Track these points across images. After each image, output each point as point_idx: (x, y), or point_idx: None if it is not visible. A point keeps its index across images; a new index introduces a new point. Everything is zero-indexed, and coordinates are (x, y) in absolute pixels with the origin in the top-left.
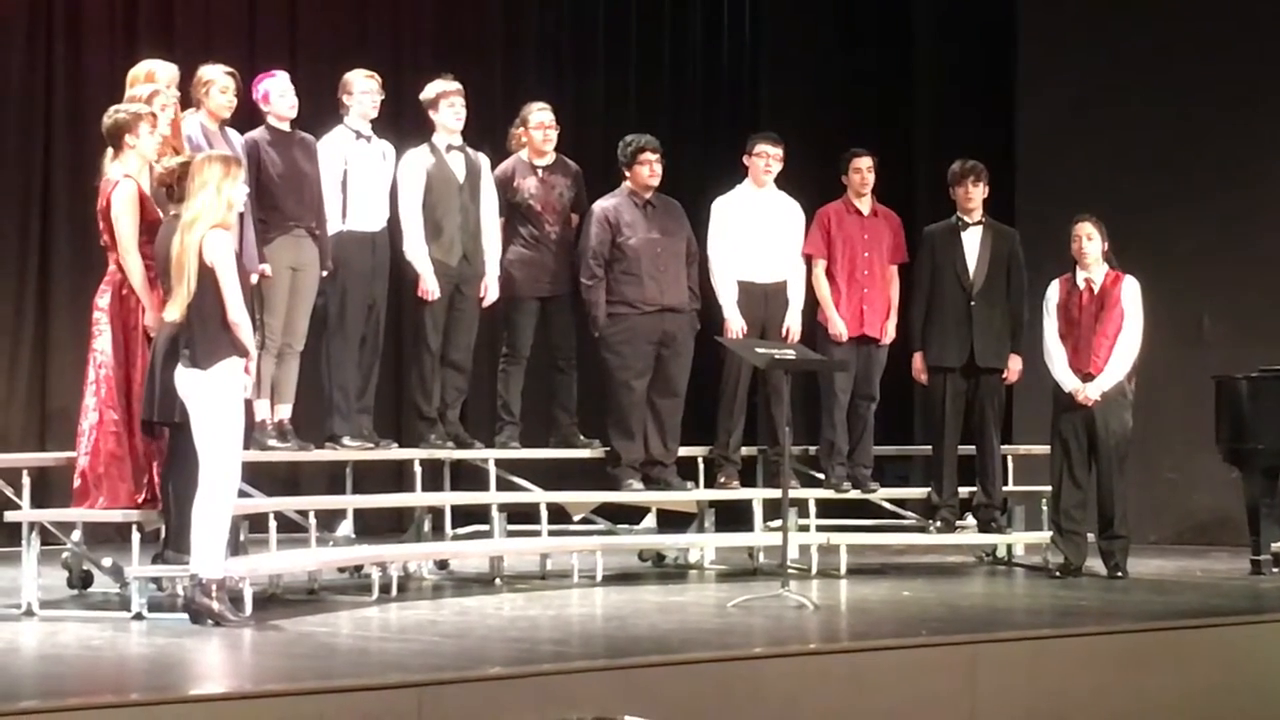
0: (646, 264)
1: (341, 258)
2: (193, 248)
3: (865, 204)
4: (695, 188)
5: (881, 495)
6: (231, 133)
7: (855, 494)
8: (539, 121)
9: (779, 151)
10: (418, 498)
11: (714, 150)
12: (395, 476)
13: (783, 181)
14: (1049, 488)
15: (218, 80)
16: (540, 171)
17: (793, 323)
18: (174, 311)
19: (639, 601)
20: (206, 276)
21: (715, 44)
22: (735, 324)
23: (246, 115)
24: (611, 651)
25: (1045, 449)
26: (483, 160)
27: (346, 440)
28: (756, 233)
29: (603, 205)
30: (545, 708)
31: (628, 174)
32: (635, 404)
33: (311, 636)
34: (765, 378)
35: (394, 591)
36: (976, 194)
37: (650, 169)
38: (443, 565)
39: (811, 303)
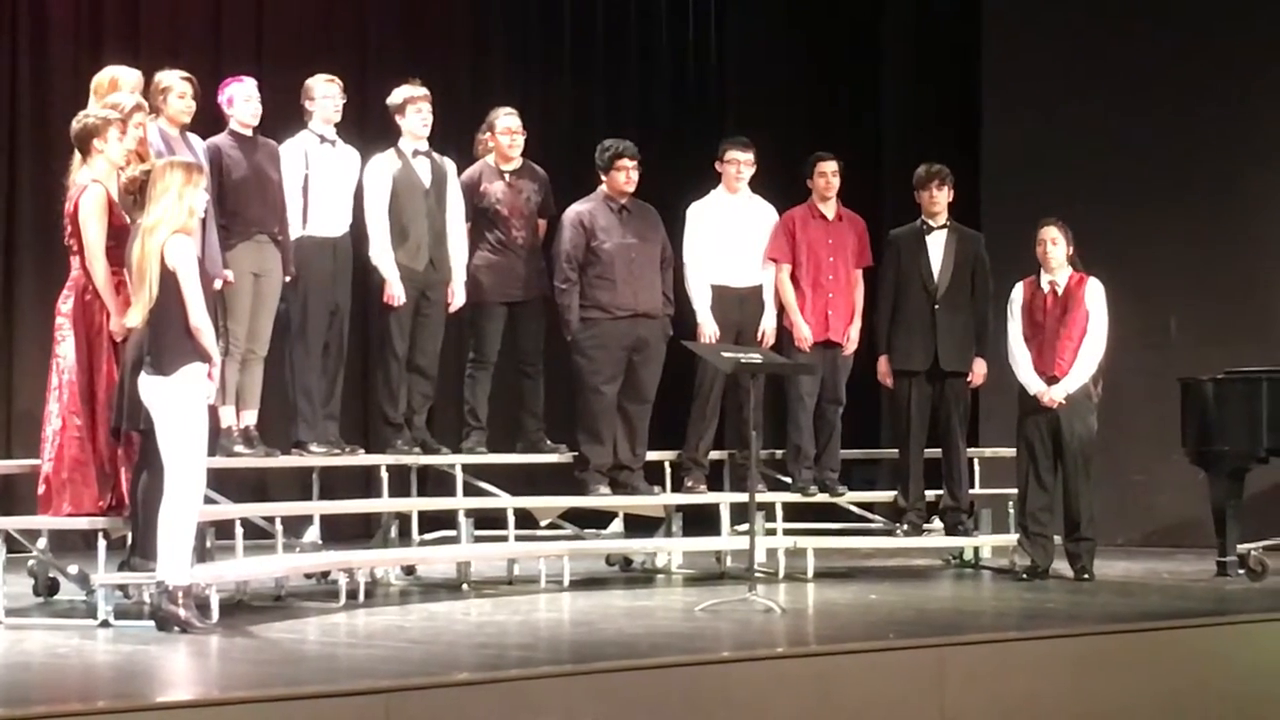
0: (620, 269)
1: (302, 263)
2: (154, 253)
3: (830, 208)
4: (662, 190)
5: (848, 499)
6: (193, 138)
7: (822, 498)
8: (506, 126)
9: (749, 157)
10: (385, 503)
11: (681, 154)
12: (362, 482)
13: (752, 185)
14: (1015, 491)
15: (175, 86)
16: (507, 176)
17: (768, 326)
18: (135, 317)
19: (606, 606)
20: (168, 282)
21: (682, 49)
22: (709, 329)
23: (210, 120)
24: (579, 656)
25: (1011, 452)
26: (449, 165)
27: (313, 446)
28: (731, 237)
29: (577, 209)
30: (513, 713)
31: (604, 179)
32: (605, 409)
33: (278, 643)
34: (736, 382)
35: (361, 597)
36: (941, 198)
37: (626, 175)
38: (410, 571)
39: (777, 307)
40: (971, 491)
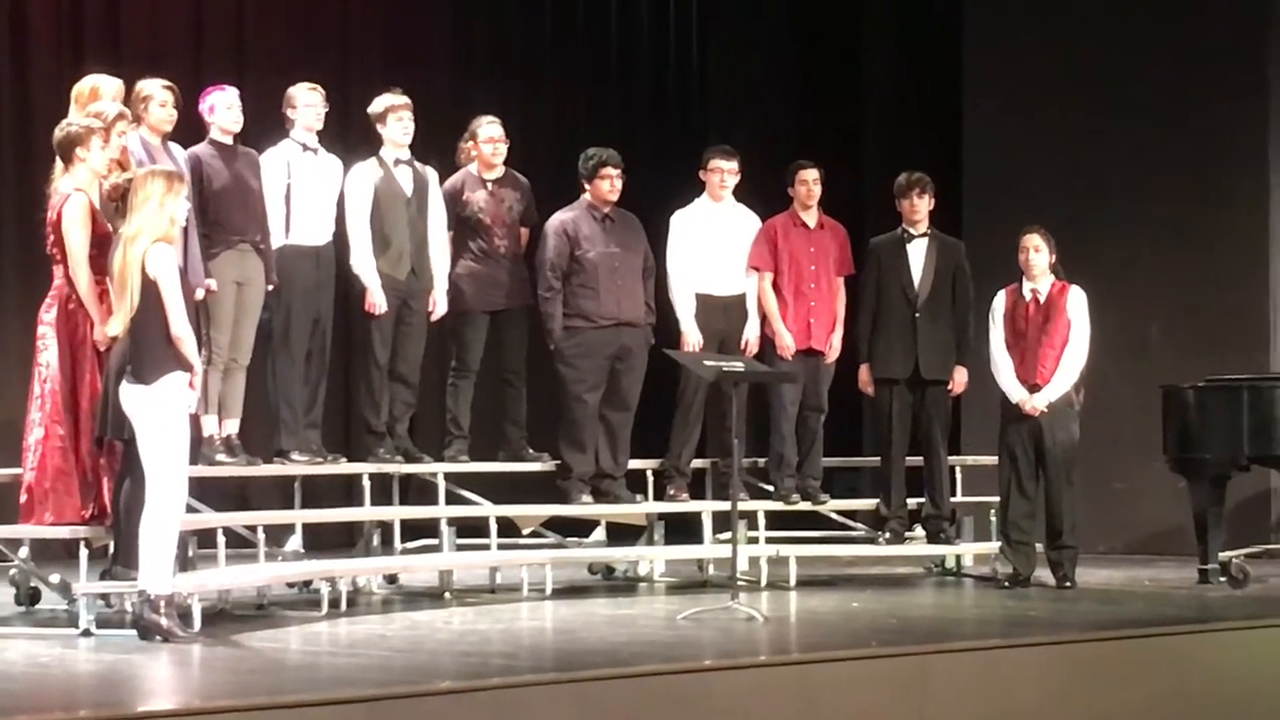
0: (604, 278)
1: (284, 272)
2: (135, 263)
3: (811, 216)
4: (644, 199)
5: (830, 507)
6: (174, 147)
7: (804, 506)
8: (488, 135)
9: (733, 165)
10: (366, 512)
11: (662, 162)
12: (344, 491)
13: (735, 193)
14: (997, 499)
15: (156, 94)
16: (490, 185)
17: (751, 335)
18: (116, 325)
19: (589, 614)
20: (150, 291)
21: (664, 57)
22: (692, 338)
23: (191, 129)
24: (561, 665)
25: (993, 460)
26: (430, 174)
27: (295, 455)
28: (715, 246)
29: (561, 218)
30: None
31: (587, 187)
32: (588, 417)
33: (261, 652)
34: (719, 390)
35: (343, 606)
36: (922, 206)
37: (610, 184)
38: (392, 580)
39: (760, 316)
40: (953, 499)
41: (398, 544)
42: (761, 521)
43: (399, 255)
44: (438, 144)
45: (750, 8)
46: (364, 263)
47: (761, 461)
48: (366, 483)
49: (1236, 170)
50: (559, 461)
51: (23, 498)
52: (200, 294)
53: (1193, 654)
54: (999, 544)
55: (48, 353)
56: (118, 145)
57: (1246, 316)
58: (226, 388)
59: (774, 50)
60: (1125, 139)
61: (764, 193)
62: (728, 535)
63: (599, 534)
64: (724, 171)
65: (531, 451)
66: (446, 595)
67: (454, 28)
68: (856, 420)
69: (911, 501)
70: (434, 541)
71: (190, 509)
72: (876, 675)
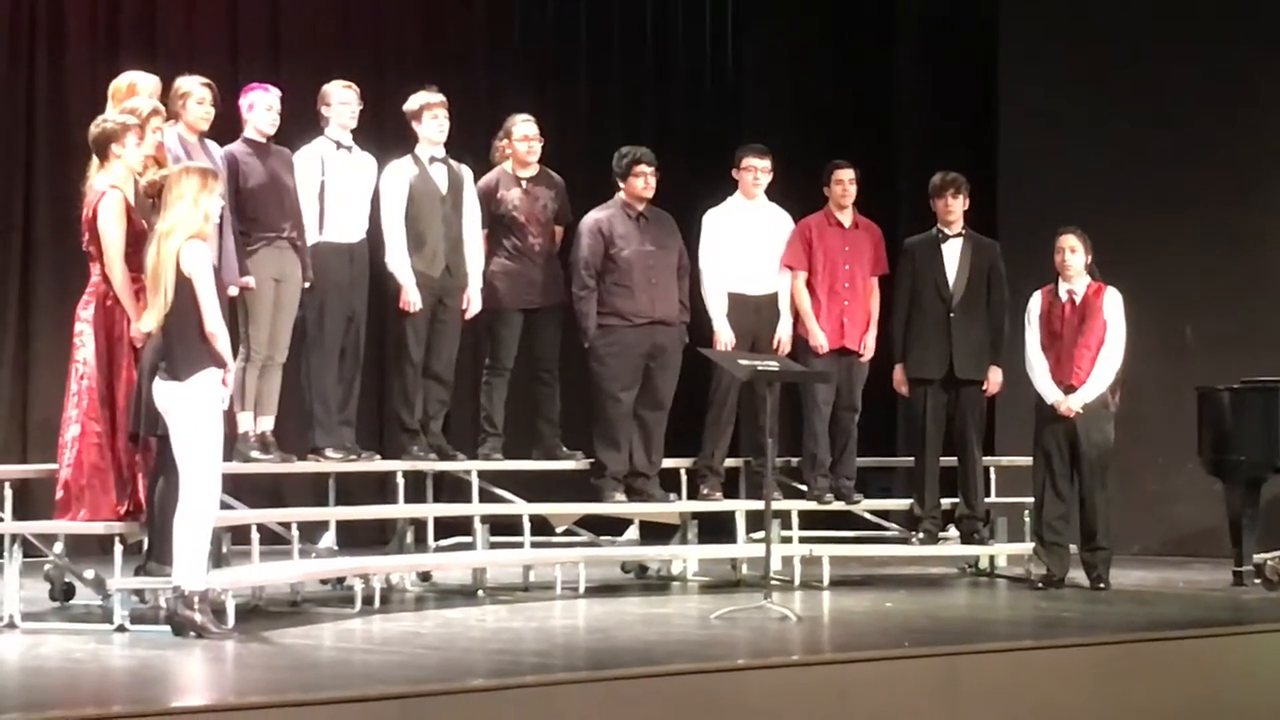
0: (638, 276)
1: (318, 269)
2: (169, 259)
3: (846, 216)
4: (678, 197)
5: (864, 507)
6: (211, 144)
7: (838, 505)
8: (523, 134)
9: (766, 164)
10: (400, 509)
11: (698, 161)
12: (378, 488)
13: (769, 193)
14: (1031, 499)
15: (194, 91)
16: (524, 183)
17: (784, 334)
18: (150, 321)
19: (622, 613)
20: (184, 287)
21: (699, 56)
22: (725, 336)
23: (230, 127)
24: (594, 663)
25: (1028, 460)
26: (465, 172)
27: (329, 452)
28: (748, 244)
29: (595, 216)
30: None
31: (621, 185)
32: (622, 416)
33: (294, 648)
34: (752, 389)
35: (377, 603)
36: (956, 206)
37: (645, 181)
38: (425, 577)
39: (793, 314)
40: (987, 500)
41: (431, 541)
42: (795, 521)
43: (434, 253)
44: (472, 142)
45: (786, 7)
46: (399, 261)
47: (795, 461)
48: (400, 480)
49: (1271, 172)
50: (593, 460)
51: (59, 494)
52: (234, 291)
53: (1227, 656)
54: (1033, 545)
55: (85, 349)
56: (153, 142)
57: None
58: (262, 385)
59: (809, 49)
60: (1160, 140)
61: (799, 192)
62: (761, 535)
63: (632, 532)
64: (757, 170)
65: (565, 450)
66: (480, 593)
67: (489, 26)
68: (890, 420)
69: (945, 502)
70: (467, 539)
71: (225, 505)
72: (909, 675)
